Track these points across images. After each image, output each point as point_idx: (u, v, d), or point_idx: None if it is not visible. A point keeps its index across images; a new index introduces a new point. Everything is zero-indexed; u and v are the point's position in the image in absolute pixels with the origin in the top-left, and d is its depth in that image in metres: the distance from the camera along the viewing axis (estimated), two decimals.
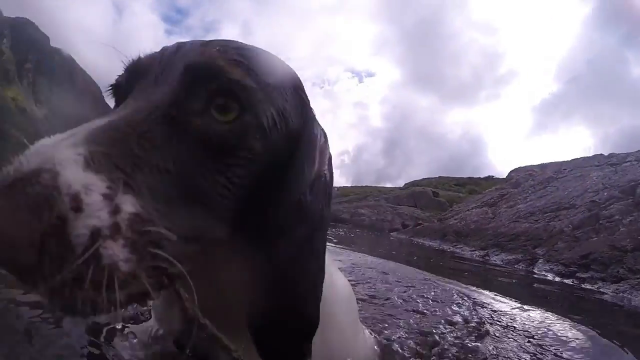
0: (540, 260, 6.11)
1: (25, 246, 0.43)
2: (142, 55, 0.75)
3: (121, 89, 0.76)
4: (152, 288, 0.52)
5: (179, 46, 0.73)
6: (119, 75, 0.78)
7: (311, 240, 0.72)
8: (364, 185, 72.36)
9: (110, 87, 0.80)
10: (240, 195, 0.65)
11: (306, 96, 0.82)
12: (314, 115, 0.84)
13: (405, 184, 58.86)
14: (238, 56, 0.68)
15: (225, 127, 0.64)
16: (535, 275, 5.56)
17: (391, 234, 15.94)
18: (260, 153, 0.66)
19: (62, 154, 0.48)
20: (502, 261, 6.84)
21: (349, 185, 74.26)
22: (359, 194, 44.55)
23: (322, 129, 0.86)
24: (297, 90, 0.78)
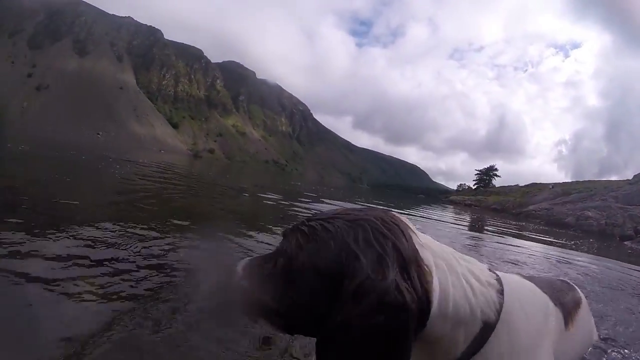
0: None
1: None
2: None
3: None
4: None
5: None
6: None
7: None
8: (585, 179, 66.89)
9: None
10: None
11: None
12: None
13: (635, 176, 44.65)
14: None
15: None
16: None
17: (625, 243, 14.42)
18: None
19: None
20: None
21: (569, 181, 63.74)
22: (581, 190, 39.72)
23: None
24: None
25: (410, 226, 0.65)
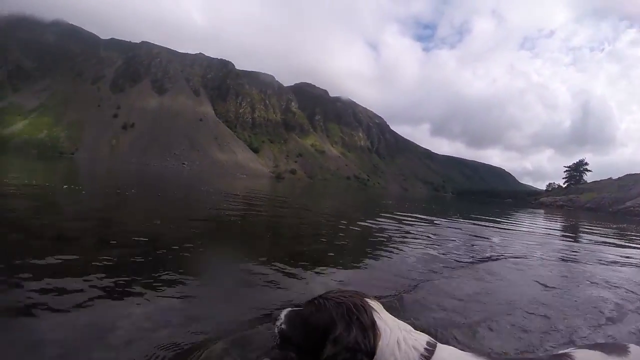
0: None
1: None
2: None
3: None
4: None
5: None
6: None
7: None
8: None
9: None
10: None
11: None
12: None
13: None
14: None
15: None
16: None
17: None
18: None
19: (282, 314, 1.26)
20: None
21: None
22: None
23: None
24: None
25: (374, 307, 1.13)
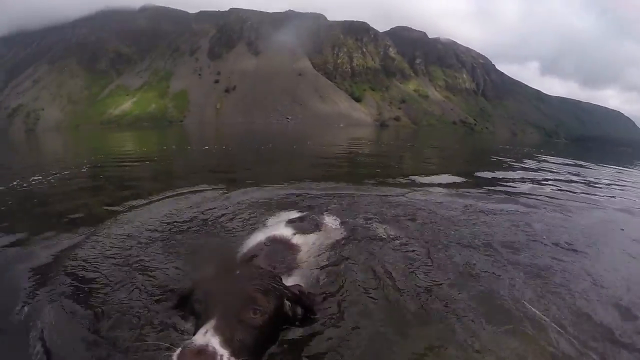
0: None
1: None
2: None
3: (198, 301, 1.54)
4: None
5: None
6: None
7: None
8: None
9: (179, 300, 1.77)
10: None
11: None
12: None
13: None
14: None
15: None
16: None
17: None
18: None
19: (214, 341, 1.29)
20: None
21: None
22: None
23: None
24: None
25: None
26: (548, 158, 13.58)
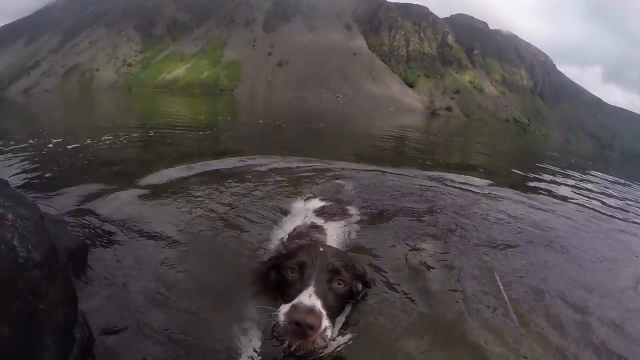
0: None
1: (311, 327, 1.47)
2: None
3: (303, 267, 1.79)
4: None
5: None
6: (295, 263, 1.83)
7: None
8: None
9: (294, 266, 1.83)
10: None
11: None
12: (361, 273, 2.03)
13: None
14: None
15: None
16: None
17: None
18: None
19: (318, 303, 1.57)
20: None
21: None
22: None
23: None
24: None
25: None
26: (607, 177, 11.34)
